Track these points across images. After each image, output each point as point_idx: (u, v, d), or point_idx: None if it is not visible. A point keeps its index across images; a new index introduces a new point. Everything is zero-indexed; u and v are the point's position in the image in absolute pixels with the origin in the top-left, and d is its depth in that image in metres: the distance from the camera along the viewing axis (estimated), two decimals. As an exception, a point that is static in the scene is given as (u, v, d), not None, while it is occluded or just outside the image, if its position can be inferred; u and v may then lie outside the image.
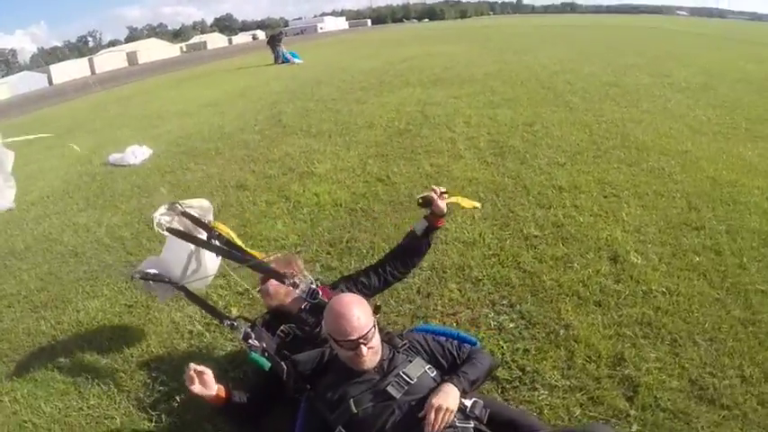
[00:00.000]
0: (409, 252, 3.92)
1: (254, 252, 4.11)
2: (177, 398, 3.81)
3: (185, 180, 8.08)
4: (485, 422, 2.83)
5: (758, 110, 11.12)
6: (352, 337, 2.87)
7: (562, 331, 4.18)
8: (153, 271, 4.00)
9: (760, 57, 21.78)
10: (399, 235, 5.45)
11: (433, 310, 4.55)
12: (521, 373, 3.75)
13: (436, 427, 2.66)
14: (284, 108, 12.47)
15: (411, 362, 3.03)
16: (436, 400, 2.72)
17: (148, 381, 4.00)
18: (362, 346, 2.87)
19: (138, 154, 9.49)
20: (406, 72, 16.47)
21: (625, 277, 4.85)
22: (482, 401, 2.94)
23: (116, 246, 6.20)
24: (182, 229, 4.01)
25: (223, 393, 3.20)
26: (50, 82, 57.17)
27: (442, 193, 3.74)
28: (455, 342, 3.36)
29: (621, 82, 13.82)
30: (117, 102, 18.06)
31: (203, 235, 4.07)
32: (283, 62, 25.97)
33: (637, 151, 8.06)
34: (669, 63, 17.84)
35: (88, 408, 3.83)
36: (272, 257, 3.98)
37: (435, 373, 3.05)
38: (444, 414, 2.69)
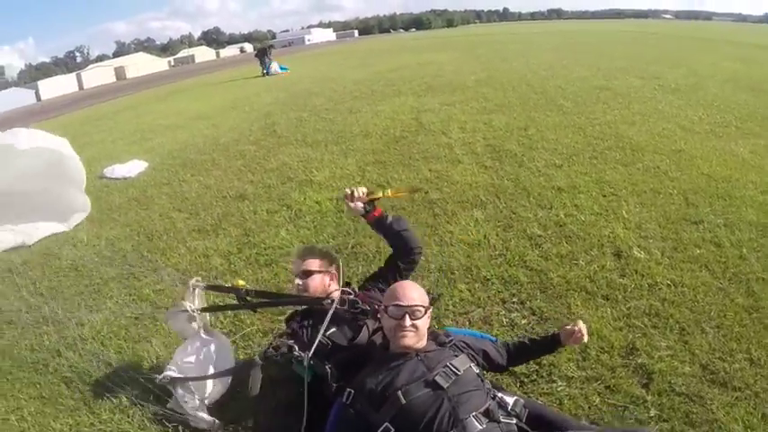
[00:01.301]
0: (394, 243, 3.88)
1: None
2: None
3: (182, 191, 8.05)
4: (524, 420, 2.85)
5: (747, 108, 11.32)
6: (401, 303, 2.99)
7: None
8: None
9: (746, 57, 22.09)
10: None
11: (445, 310, 4.59)
12: (537, 367, 3.82)
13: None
14: (278, 119, 12.48)
15: (457, 357, 3.04)
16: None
17: (161, 392, 3.90)
18: (408, 316, 2.96)
19: (132, 167, 9.45)
20: (397, 81, 16.52)
21: (630, 271, 4.96)
22: (522, 400, 2.98)
23: (117, 258, 6.16)
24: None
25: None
26: (38, 98, 56.80)
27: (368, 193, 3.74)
28: (495, 343, 3.47)
29: (612, 85, 13.93)
30: (107, 116, 18.02)
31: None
32: (266, 74, 25.96)
33: (632, 152, 8.15)
34: (658, 66, 17.99)
35: (100, 423, 3.77)
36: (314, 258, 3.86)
37: (479, 370, 3.08)
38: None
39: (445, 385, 2.81)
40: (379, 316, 3.38)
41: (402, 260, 3.80)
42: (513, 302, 4.68)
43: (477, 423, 2.67)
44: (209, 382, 3.74)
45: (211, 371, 3.77)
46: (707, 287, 4.68)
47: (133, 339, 4.67)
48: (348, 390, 3.03)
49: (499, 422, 2.73)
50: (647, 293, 4.63)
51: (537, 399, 3.57)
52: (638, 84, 14.12)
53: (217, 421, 3.64)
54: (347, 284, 3.86)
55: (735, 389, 3.59)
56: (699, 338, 4.07)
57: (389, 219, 3.76)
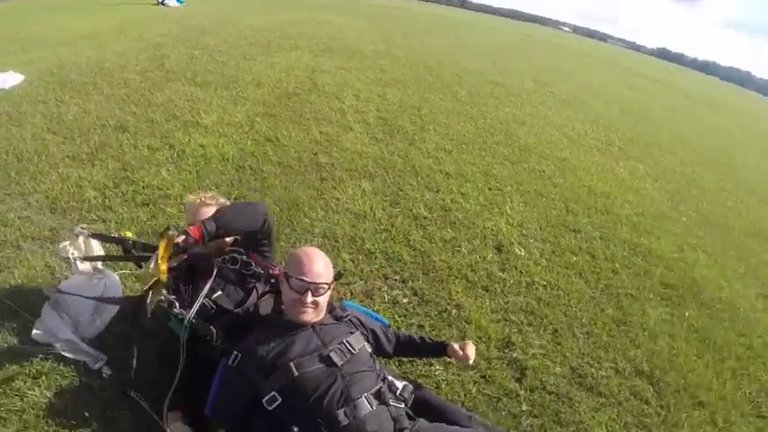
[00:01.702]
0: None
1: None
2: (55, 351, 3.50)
3: (59, 113, 7.43)
4: (409, 405, 2.89)
5: (630, 132, 12.15)
6: (306, 279, 2.87)
7: (454, 311, 4.41)
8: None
9: (635, 84, 23.49)
10: (289, 197, 5.64)
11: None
12: (416, 349, 3.83)
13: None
14: (168, 52, 11.79)
15: (352, 334, 3.01)
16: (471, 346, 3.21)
17: (23, 328, 3.60)
18: (310, 293, 2.86)
19: (7, 78, 8.63)
20: (295, 36, 16.08)
21: (509, 267, 5.16)
22: (411, 386, 3.02)
23: (-21, 176, 5.60)
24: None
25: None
26: None
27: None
28: (386, 327, 3.45)
29: (506, 83, 14.36)
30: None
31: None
32: (161, 3, 24.76)
33: (520, 151, 8.45)
34: (552, 74, 18.77)
35: None
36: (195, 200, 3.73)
37: (371, 349, 3.07)
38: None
39: (339, 362, 2.79)
40: (275, 281, 3.32)
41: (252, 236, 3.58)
42: (396, 280, 4.72)
43: (367, 404, 2.68)
44: (89, 316, 3.61)
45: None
46: (580, 294, 4.96)
47: None
48: (235, 352, 2.92)
49: (388, 405, 2.75)
50: (525, 291, 4.84)
51: (415, 380, 3.61)
52: (531, 87, 14.68)
53: (103, 355, 3.47)
54: (235, 242, 3.70)
55: (600, 395, 3.85)
56: (570, 342, 4.31)
57: (213, 227, 3.27)
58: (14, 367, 3.38)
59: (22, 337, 3.57)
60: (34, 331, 3.54)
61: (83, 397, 3.26)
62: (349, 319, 3.16)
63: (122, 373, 3.33)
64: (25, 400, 3.19)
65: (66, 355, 3.46)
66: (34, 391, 3.24)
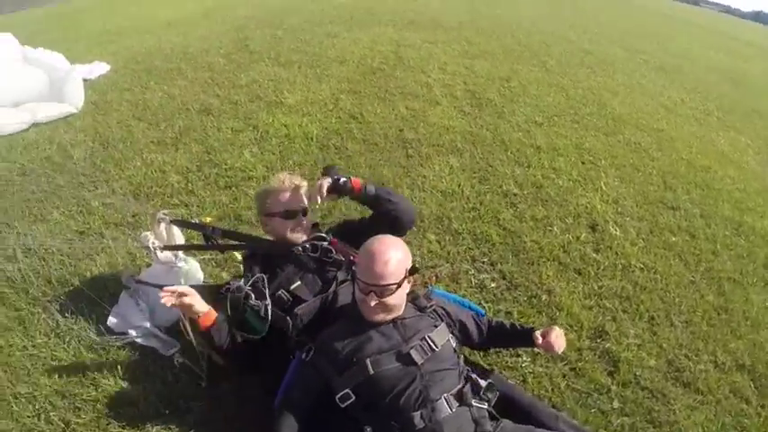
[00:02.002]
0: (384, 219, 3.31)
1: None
2: (130, 339, 3.53)
3: (144, 99, 7.54)
4: (492, 405, 2.69)
5: (729, 100, 11.41)
6: (366, 281, 2.66)
7: (544, 296, 4.18)
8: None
9: (732, 50, 22.14)
10: (374, 176, 5.47)
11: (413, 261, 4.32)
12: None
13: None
14: (251, 34, 11.77)
15: (436, 327, 2.80)
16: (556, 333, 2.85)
17: (101, 317, 3.68)
18: (373, 294, 2.65)
19: (94, 69, 8.81)
20: (378, 10, 15.74)
21: (604, 248, 4.85)
22: (496, 384, 2.79)
23: (68, 165, 5.73)
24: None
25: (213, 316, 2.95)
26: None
27: None
28: (480, 317, 3.19)
29: (597, 51, 13.67)
30: (73, 14, 17.06)
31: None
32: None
33: (613, 122, 8.01)
34: (643, 41, 17.75)
35: (34, 347, 3.51)
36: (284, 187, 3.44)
37: (456, 343, 2.86)
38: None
39: (419, 361, 2.61)
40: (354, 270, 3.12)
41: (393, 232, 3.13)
42: (484, 262, 4.52)
43: (447, 405, 2.51)
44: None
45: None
46: (679, 278, 4.62)
47: (77, 256, 4.32)
48: (309, 346, 2.83)
49: (470, 406, 2.57)
50: (621, 274, 4.54)
51: (500, 372, 3.42)
52: (622, 55, 13.92)
53: (176, 342, 3.49)
54: (315, 225, 3.57)
55: (698, 391, 3.56)
56: (667, 331, 4.01)
57: (374, 190, 3.21)
58: (91, 356, 3.47)
59: (99, 326, 3.63)
60: (110, 319, 3.64)
61: (156, 387, 3.29)
62: (434, 310, 2.94)
63: (195, 363, 3.33)
64: (99, 389, 3.26)
65: (139, 341, 3.51)
66: (108, 380, 3.32)
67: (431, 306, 2.95)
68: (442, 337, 2.76)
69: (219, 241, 3.66)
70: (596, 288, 4.33)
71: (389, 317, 2.76)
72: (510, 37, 13.64)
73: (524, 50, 12.26)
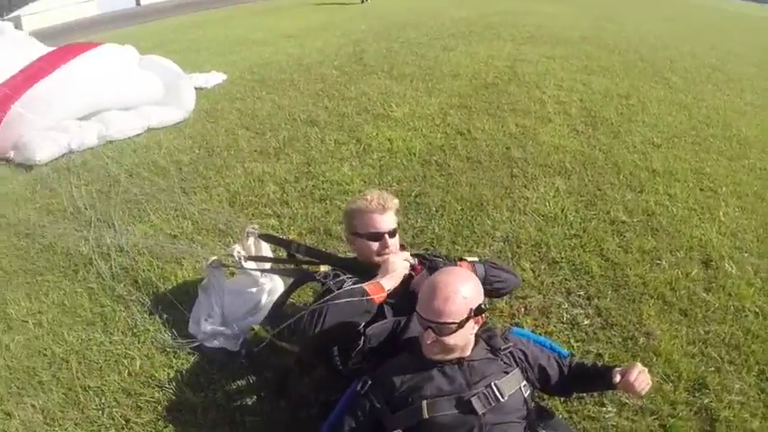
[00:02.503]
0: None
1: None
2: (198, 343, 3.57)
3: (253, 109, 7.70)
4: None
5: None
6: (424, 315, 2.42)
7: (642, 339, 3.73)
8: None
9: None
10: (473, 196, 5.23)
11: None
12: (590, 383, 3.27)
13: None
14: (367, 47, 11.82)
15: (507, 374, 2.51)
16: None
17: (178, 321, 3.74)
18: (431, 330, 2.39)
19: (210, 78, 9.14)
20: (498, 25, 15.36)
21: (716, 287, 4.31)
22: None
23: (171, 169, 5.89)
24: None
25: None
26: (138, 2, 56.72)
27: None
28: (563, 359, 2.87)
29: (725, 68, 12.63)
30: (198, 25, 17.76)
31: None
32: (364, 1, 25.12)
33: (738, 145, 7.28)
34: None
35: (110, 343, 3.63)
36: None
37: (528, 392, 2.54)
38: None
39: (480, 411, 2.34)
40: None
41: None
42: (579, 296, 4.13)
43: None
44: (242, 315, 3.71)
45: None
46: (799, 327, 4.03)
47: (165, 258, 4.43)
48: (365, 378, 2.59)
49: None
50: (731, 318, 3.99)
51: (579, 422, 3.14)
52: (752, 72, 12.87)
53: (244, 336, 3.54)
54: (402, 247, 3.35)
55: None
56: None
57: (483, 272, 2.99)
58: (161, 359, 3.53)
59: (173, 330, 3.69)
60: (190, 323, 3.69)
61: (216, 397, 3.29)
62: (510, 353, 2.64)
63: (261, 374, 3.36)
64: (163, 392, 3.31)
65: (207, 345, 3.54)
66: (173, 384, 3.35)
67: (506, 349, 2.66)
68: (512, 385, 2.48)
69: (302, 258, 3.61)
70: (702, 333, 3.85)
71: (449, 357, 2.51)
72: (633, 53, 12.91)
73: (647, 66, 11.58)
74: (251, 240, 3.78)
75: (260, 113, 7.45)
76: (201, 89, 8.51)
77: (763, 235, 5.11)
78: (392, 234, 3.16)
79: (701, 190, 5.86)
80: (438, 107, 7.85)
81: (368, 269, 3.10)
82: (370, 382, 2.55)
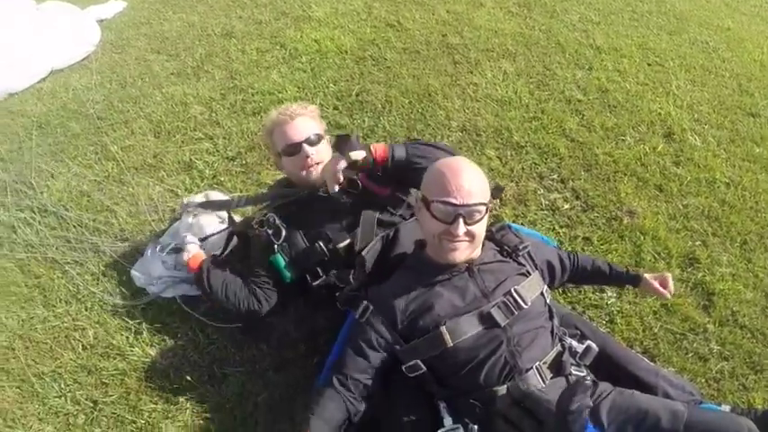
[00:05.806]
0: None
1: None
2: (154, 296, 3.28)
3: (162, 31, 7.05)
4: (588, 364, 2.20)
5: None
6: (455, 201, 2.05)
7: (626, 219, 3.75)
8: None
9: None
10: (419, 87, 5.02)
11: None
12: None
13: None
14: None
15: (527, 276, 2.24)
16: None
17: (124, 277, 3.42)
18: (462, 220, 2.04)
19: (109, 8, 8.34)
20: None
21: (684, 160, 4.34)
22: (595, 346, 2.24)
23: (84, 110, 5.38)
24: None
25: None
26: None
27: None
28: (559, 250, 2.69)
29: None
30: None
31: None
32: None
33: (676, 20, 7.14)
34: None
35: (55, 317, 3.30)
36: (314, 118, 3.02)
37: (549, 296, 2.30)
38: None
39: (503, 323, 2.07)
40: (412, 210, 2.67)
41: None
42: (553, 180, 4.09)
43: (539, 378, 2.03)
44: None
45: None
46: (768, 195, 4.06)
47: (95, 208, 4.05)
48: (365, 303, 2.25)
49: (568, 375, 2.09)
50: (706, 190, 4.04)
51: (584, 312, 3.15)
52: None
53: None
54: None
55: None
56: (761, 258, 3.56)
57: (404, 153, 2.54)
58: (116, 322, 3.26)
59: (121, 288, 3.41)
60: (133, 272, 3.37)
61: (187, 354, 3.11)
62: (528, 253, 2.37)
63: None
64: (126, 361, 3.07)
65: (166, 295, 3.25)
66: (135, 350, 3.11)
67: (525, 248, 2.38)
68: (534, 289, 2.23)
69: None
70: (681, 207, 3.87)
71: (472, 254, 2.22)
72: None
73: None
74: (191, 218, 3.44)
75: (170, 35, 6.88)
76: (102, 21, 7.84)
77: (717, 106, 5.12)
78: (312, 142, 2.85)
79: (649, 65, 5.79)
80: (361, 1, 7.30)
81: (310, 190, 2.89)
82: (371, 308, 2.23)
